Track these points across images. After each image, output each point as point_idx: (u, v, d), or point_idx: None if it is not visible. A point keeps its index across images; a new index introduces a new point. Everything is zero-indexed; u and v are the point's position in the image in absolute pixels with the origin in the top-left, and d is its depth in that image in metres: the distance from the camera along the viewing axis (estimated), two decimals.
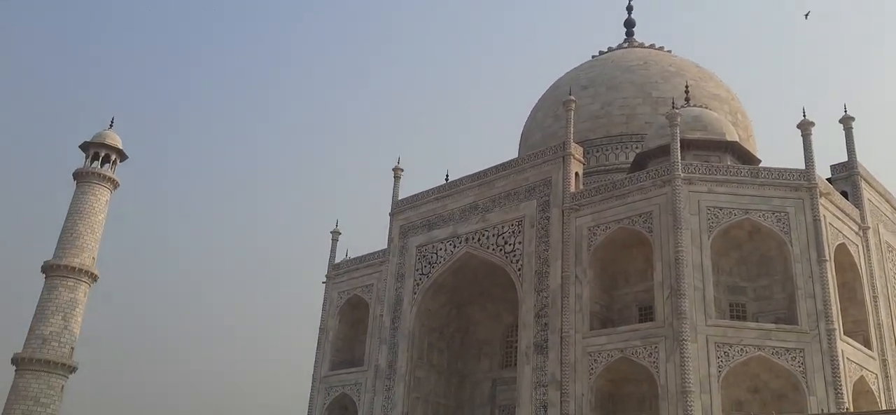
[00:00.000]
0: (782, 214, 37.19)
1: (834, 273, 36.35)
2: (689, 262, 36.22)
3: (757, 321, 36.78)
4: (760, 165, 41.96)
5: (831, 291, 35.35)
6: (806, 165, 38.22)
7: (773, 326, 35.40)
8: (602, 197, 40.93)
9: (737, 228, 37.81)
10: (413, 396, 48.45)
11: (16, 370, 62.67)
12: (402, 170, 55.88)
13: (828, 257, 36.07)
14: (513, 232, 45.15)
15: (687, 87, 50.95)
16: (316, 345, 55.84)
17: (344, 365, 54.31)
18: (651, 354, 36.05)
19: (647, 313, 39.69)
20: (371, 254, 55.01)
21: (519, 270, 43.90)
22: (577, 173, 43.99)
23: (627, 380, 38.81)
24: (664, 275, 36.77)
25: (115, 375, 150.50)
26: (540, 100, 67.02)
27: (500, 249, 45.38)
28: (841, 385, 33.32)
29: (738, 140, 44.95)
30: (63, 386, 63.73)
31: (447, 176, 51.99)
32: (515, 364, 45.85)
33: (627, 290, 42.08)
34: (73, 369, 64.49)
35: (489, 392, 51.03)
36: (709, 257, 36.73)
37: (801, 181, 37.76)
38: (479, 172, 48.73)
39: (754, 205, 37.44)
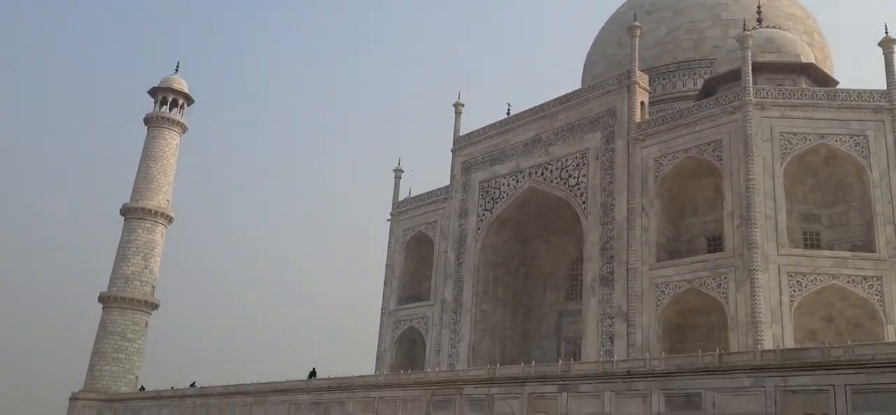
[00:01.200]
0: (861, 137, 35.59)
1: None
2: (761, 190, 35.20)
3: (832, 249, 35.67)
4: (838, 88, 40.09)
5: None
6: (887, 86, 36.31)
7: (849, 253, 34.29)
8: (669, 126, 39.92)
9: (812, 153, 36.42)
10: (479, 328, 49.23)
11: (103, 308, 66.33)
12: (463, 105, 55.67)
13: None
14: (577, 165, 44.64)
15: (759, 7, 48.61)
16: (383, 281, 57.11)
17: (411, 300, 55.44)
18: (720, 284, 35.49)
19: (715, 244, 38.96)
20: (434, 191, 55.42)
21: (583, 203, 43.54)
22: (642, 103, 42.94)
23: (695, 311, 38.41)
24: (734, 204, 35.88)
25: (192, 311, 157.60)
26: (603, 27, 65.24)
27: (564, 183, 45.01)
28: None
29: (813, 62, 42.93)
30: (146, 322, 67.19)
31: (509, 110, 51.50)
32: (581, 297, 45.92)
33: (695, 220, 41.30)
34: (155, 306, 67.80)
35: (555, 324, 51.38)
36: (781, 185, 35.60)
37: (881, 103, 35.94)
38: (540, 105, 48.10)
39: (831, 129, 35.91)
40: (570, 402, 28.63)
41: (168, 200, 70.38)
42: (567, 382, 29.03)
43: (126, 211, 68.46)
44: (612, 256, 41.02)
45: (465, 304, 49.36)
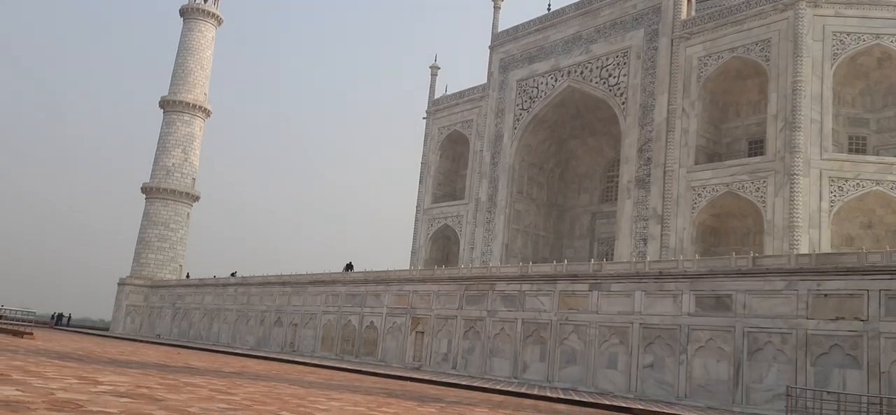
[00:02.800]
0: None
1: None
2: (808, 92, 34.15)
3: (878, 155, 34.77)
4: None
5: None
6: None
7: (894, 159, 33.40)
8: (715, 24, 38.56)
9: (865, 55, 35.01)
10: (513, 228, 49.66)
11: (146, 199, 68.31)
12: (502, 0, 54.38)
13: None
14: (617, 64, 43.64)
15: None
16: (418, 179, 57.54)
17: (445, 198, 55.93)
18: (758, 188, 35.02)
19: (757, 148, 38.22)
20: (470, 89, 54.88)
21: (623, 103, 42.80)
22: None
23: (731, 215, 38.12)
24: (779, 107, 34.95)
25: (232, 205, 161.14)
26: None
27: (604, 82, 44.15)
28: None
29: None
30: (188, 213, 69.16)
31: (549, 5, 50.09)
32: (616, 198, 45.83)
33: (737, 123, 40.43)
34: (195, 198, 69.57)
35: (588, 225, 51.55)
36: (830, 87, 34.48)
37: None
38: (582, 0, 46.71)
39: (887, 28, 34.32)
40: (601, 300, 29.04)
41: (205, 94, 70.98)
42: (599, 280, 29.36)
43: (165, 104, 69.36)
44: (649, 159, 40.58)
45: (500, 203, 49.64)
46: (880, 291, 21.49)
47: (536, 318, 31.23)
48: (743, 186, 35.73)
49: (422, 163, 57.55)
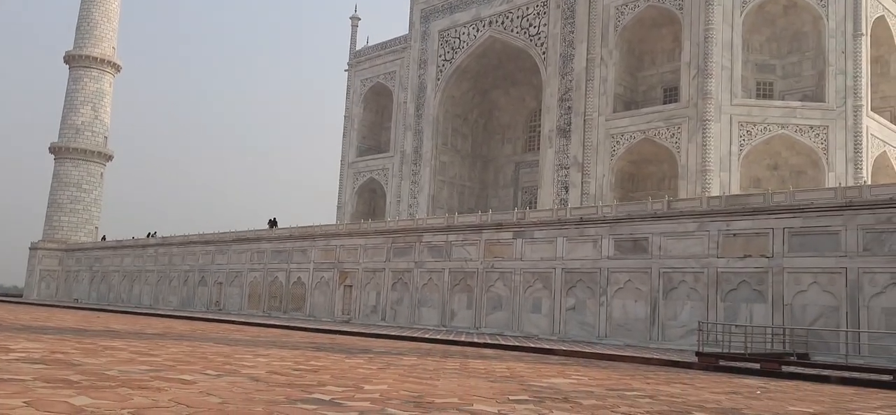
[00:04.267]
0: None
1: (868, 48, 35.40)
2: (719, 40, 35.35)
3: (783, 99, 36.49)
4: None
5: (864, 66, 34.60)
6: None
7: (798, 103, 35.14)
8: None
9: (772, 2, 36.42)
10: (439, 179, 49.91)
11: (55, 159, 65.10)
12: None
13: (864, 31, 34.93)
14: (538, 14, 43.94)
15: None
16: (342, 133, 56.85)
17: (370, 152, 55.56)
18: (673, 134, 36.26)
19: (672, 95, 39.45)
20: (392, 40, 54.25)
21: (543, 53, 43.25)
22: None
23: (648, 161, 39.40)
24: (692, 54, 36.07)
25: (149, 164, 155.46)
26: None
27: (525, 32, 44.43)
28: (862, 161, 33.60)
29: None
30: (101, 173, 66.35)
31: None
32: (538, 148, 46.60)
33: (653, 71, 41.55)
34: (108, 157, 66.75)
35: (512, 175, 52.32)
36: (740, 35, 35.77)
37: None
38: None
39: None
40: (525, 247, 29.72)
41: (114, 48, 67.68)
42: (522, 228, 29.99)
43: (70, 59, 65.82)
44: (569, 108, 41.32)
45: (425, 155, 49.70)
46: (784, 228, 22.77)
47: (463, 267, 31.72)
48: (658, 133, 36.91)
49: (345, 116, 56.84)
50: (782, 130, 34.54)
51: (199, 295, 46.55)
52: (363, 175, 54.48)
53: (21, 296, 65.85)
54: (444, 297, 32.18)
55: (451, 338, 22.16)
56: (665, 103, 39.01)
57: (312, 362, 11.03)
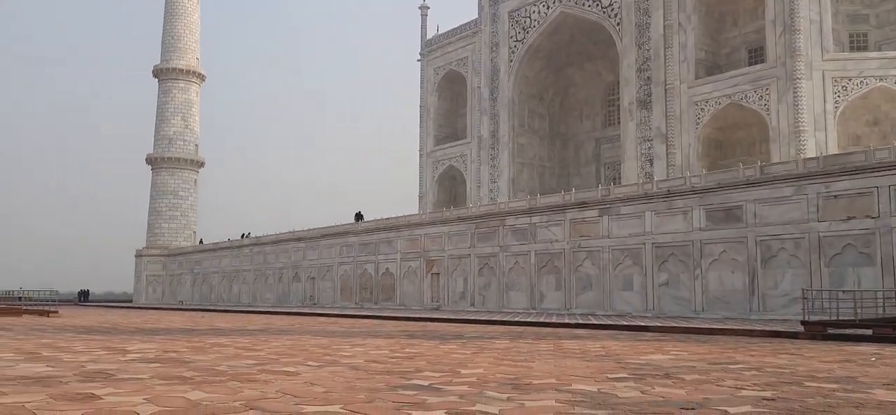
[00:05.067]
0: None
1: None
2: None
3: (880, 50, 34.38)
4: None
5: None
6: None
7: None
8: None
9: None
10: (518, 162, 49.66)
11: (152, 169, 68.43)
12: None
13: None
14: None
15: None
16: (419, 123, 57.29)
17: (448, 139, 55.78)
18: (762, 96, 34.79)
19: (757, 55, 37.83)
20: (462, 25, 54.18)
21: (618, 24, 42.25)
22: None
23: (736, 126, 37.96)
24: (777, 11, 34.44)
25: (237, 167, 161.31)
26: None
27: (597, 4, 43.50)
28: None
29: None
30: (195, 179, 69.33)
31: None
32: (618, 122, 45.63)
33: (735, 32, 39.93)
34: (200, 164, 69.63)
35: (593, 152, 51.47)
36: None
37: None
38: None
39: None
40: (612, 224, 29.20)
41: (197, 59, 70.36)
42: (607, 205, 29.47)
43: (159, 72, 68.86)
44: (649, 78, 40.26)
45: (502, 139, 49.54)
46: (890, 186, 21.51)
47: (549, 248, 31.48)
48: (746, 96, 35.50)
49: (420, 106, 57.23)
50: (881, 83, 32.59)
51: (293, 291, 48.05)
52: (442, 163, 54.77)
53: (131, 301, 69.73)
54: (531, 279, 32.04)
55: (541, 320, 22.06)
56: (751, 65, 37.45)
57: (408, 350, 11.21)
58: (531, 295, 31.97)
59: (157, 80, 69.36)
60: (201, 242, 65.12)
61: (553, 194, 34.17)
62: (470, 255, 35.19)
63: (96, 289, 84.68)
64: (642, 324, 19.25)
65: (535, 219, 32.26)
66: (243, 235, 57.65)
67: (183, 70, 68.23)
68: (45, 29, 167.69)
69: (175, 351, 10.73)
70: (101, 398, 5.61)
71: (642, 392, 6.27)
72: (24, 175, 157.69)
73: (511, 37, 49.29)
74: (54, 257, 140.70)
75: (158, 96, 69.23)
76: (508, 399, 5.76)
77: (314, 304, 45.06)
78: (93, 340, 13.60)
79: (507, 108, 49.34)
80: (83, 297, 78.44)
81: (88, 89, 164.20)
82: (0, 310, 32.47)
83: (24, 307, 36.33)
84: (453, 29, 54.94)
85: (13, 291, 60.41)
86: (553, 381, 7.14)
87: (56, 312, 31.96)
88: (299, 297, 47.26)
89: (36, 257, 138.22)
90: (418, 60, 57.91)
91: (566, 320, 21.66)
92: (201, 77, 70.22)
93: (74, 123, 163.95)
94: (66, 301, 70.05)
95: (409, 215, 41.15)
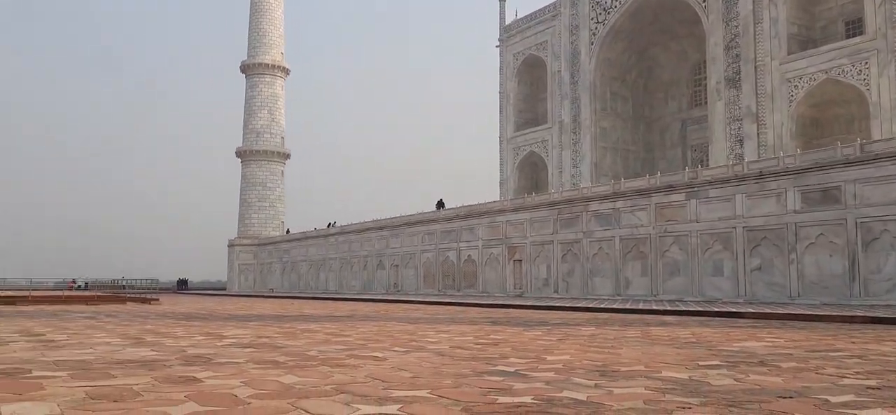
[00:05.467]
0: None
1: None
2: None
3: None
4: None
5: None
6: None
7: None
8: None
9: None
10: (600, 146, 48.81)
11: (241, 162, 71.04)
12: None
13: None
14: None
15: None
16: (498, 109, 57.09)
17: (528, 125, 55.39)
18: (860, 71, 32.91)
19: (855, 27, 35.78)
20: (541, 9, 53.58)
21: (703, 1, 40.79)
22: None
23: (832, 103, 36.08)
24: None
25: (321, 158, 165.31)
26: None
27: None
28: None
29: None
30: (282, 171, 71.54)
31: None
32: (706, 102, 44.16)
33: (830, 4, 37.86)
34: (286, 156, 71.78)
35: (679, 134, 50.03)
36: None
37: None
38: None
39: None
40: (700, 208, 28.32)
41: (282, 53, 72.37)
42: (695, 188, 28.59)
43: (246, 68, 71.24)
44: (737, 55, 38.73)
45: (584, 123, 48.78)
46: None
47: (634, 233, 30.85)
48: (843, 71, 33.67)
49: (500, 93, 57.02)
50: None
51: (378, 278, 48.94)
52: (523, 149, 54.45)
53: (225, 289, 72.75)
54: (616, 265, 31.50)
55: (627, 307, 21.68)
56: (848, 38, 35.46)
57: (492, 336, 11.24)
58: (616, 281, 31.43)
59: (244, 75, 71.79)
60: (288, 231, 67.20)
61: (638, 178, 33.42)
62: (553, 241, 34.89)
63: (193, 277, 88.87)
64: (734, 310, 18.63)
65: (620, 204, 31.66)
66: (329, 224, 59.08)
67: (268, 65, 70.37)
68: (139, 31, 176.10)
69: (267, 337, 11.13)
70: (202, 381, 5.88)
71: (736, 380, 6.08)
72: (124, 171, 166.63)
73: (591, 19, 48.41)
74: (155, 248, 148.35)
75: (246, 91, 71.67)
76: (596, 386, 5.70)
77: (398, 291, 45.75)
78: (192, 326, 14.26)
79: (589, 91, 48.52)
80: (182, 285, 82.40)
81: (182, 86, 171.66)
82: (107, 298, 34.51)
83: (128, 295, 38.44)
84: (532, 13, 54.43)
85: (118, 280, 64.22)
86: (642, 368, 7.02)
87: (157, 299, 33.67)
88: (383, 284, 48.09)
89: (138, 248, 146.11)
90: (497, 47, 57.69)
91: (653, 307, 21.20)
92: (286, 71, 72.21)
93: (171, 120, 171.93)
94: (165, 289, 73.76)
95: (491, 202, 41.15)
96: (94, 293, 41.75)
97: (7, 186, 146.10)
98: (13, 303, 28.45)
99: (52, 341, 10.29)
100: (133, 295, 38.86)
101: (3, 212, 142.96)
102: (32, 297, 33.62)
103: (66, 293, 39.98)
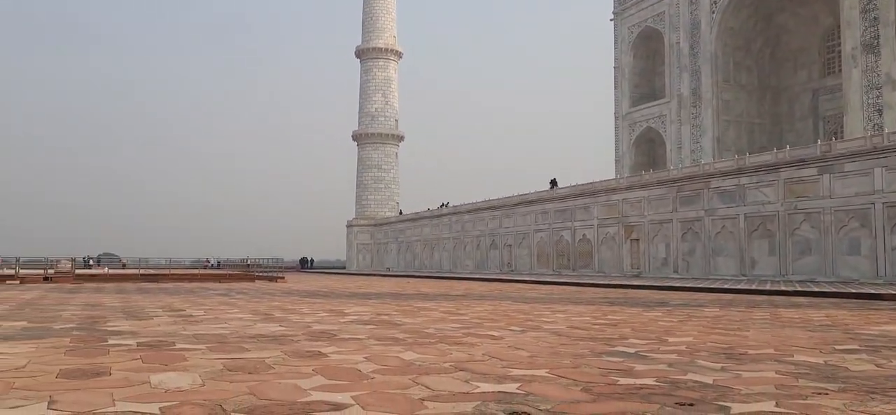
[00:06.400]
0: None
1: None
2: None
3: None
4: None
5: None
6: None
7: None
8: None
9: None
10: (723, 119, 46.66)
11: (357, 145, 73.18)
12: None
13: None
14: None
15: None
16: (613, 85, 55.68)
17: (644, 100, 53.70)
18: None
19: None
20: None
21: None
22: None
23: None
24: None
25: (434, 139, 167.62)
26: None
27: None
28: None
29: None
30: (396, 153, 73.13)
31: None
32: (839, 70, 41.20)
33: None
34: (400, 138, 73.26)
35: (809, 105, 46.99)
36: None
37: None
38: None
39: None
40: (834, 183, 26.53)
41: (394, 37, 73.68)
42: (829, 162, 26.80)
43: (360, 52, 73.10)
44: (876, 18, 35.82)
45: (705, 96, 46.74)
46: None
47: (760, 211, 29.35)
48: None
49: (614, 67, 55.56)
50: None
51: (491, 258, 49.18)
52: (639, 125, 52.89)
53: (344, 268, 75.46)
54: (740, 244, 30.11)
55: (753, 287, 20.70)
56: None
57: (609, 317, 11.05)
58: (741, 261, 30.06)
59: (358, 60, 73.69)
60: (400, 212, 68.71)
61: (764, 153, 31.73)
62: (672, 219, 33.78)
63: (314, 256, 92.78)
64: (873, 291, 17.38)
65: (744, 180, 30.18)
66: (442, 204, 59.87)
67: (382, 49, 71.87)
68: (259, 20, 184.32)
69: (386, 314, 11.45)
70: (328, 356, 6.14)
71: (877, 366, 5.68)
72: (248, 157, 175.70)
73: None
74: (278, 229, 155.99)
75: (361, 75, 73.60)
76: (722, 369, 5.49)
77: (511, 270, 45.81)
78: (315, 303, 14.90)
79: (710, 62, 46.41)
80: (304, 264, 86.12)
81: (302, 74, 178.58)
82: (237, 276, 36.63)
83: (256, 274, 40.59)
84: None
85: (246, 259, 68.15)
86: (771, 351, 6.69)
87: (282, 278, 35.37)
88: (497, 263, 48.27)
89: (263, 229, 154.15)
90: (611, 20, 56.19)
91: (782, 288, 20.12)
92: (398, 54, 73.52)
93: (290, 104, 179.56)
94: (289, 268, 77.31)
95: (606, 180, 40.31)
96: (225, 271, 44.48)
97: (150, 177, 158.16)
98: (155, 280, 30.77)
99: (191, 316, 11.04)
100: (260, 274, 41.01)
101: (146, 199, 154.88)
102: (171, 275, 36.23)
103: (201, 272, 42.85)
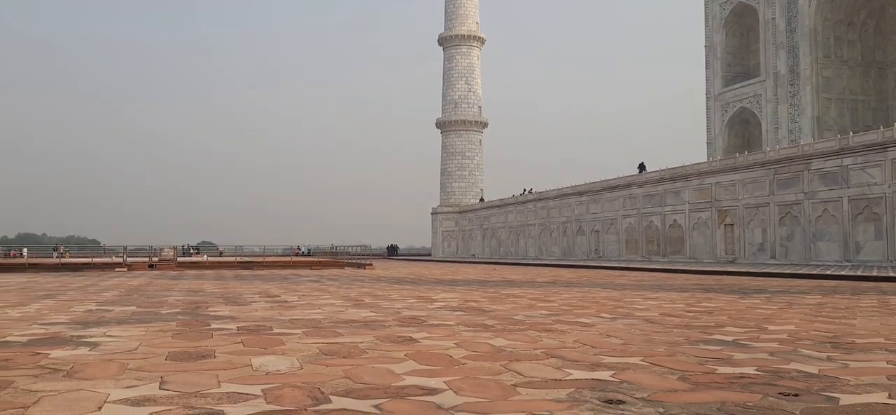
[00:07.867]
0: None
1: None
2: None
3: None
4: None
5: None
6: None
7: None
8: None
9: None
10: (823, 97, 44.33)
11: (441, 133, 73.60)
12: None
13: None
14: None
15: None
16: (704, 64, 53.77)
17: (737, 79, 51.62)
18: None
19: None
20: None
21: None
22: None
23: None
24: None
25: (518, 126, 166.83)
26: None
27: None
28: None
29: None
30: (480, 140, 73.12)
31: None
32: None
33: None
34: (484, 125, 73.20)
35: None
36: None
37: None
38: None
39: None
40: None
41: (477, 23, 73.52)
42: None
43: (443, 40, 73.35)
44: None
45: (803, 73, 44.48)
46: None
47: (865, 193, 27.76)
48: None
49: (705, 46, 53.60)
50: None
51: (578, 244, 48.57)
52: (732, 106, 50.92)
53: (429, 255, 76.28)
54: (844, 229, 28.58)
55: (858, 274, 19.62)
56: None
57: (704, 304, 10.72)
58: (844, 246, 28.53)
59: (441, 48, 73.98)
60: (482, 199, 68.73)
61: (870, 131, 29.93)
62: (769, 203, 32.40)
63: (399, 244, 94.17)
64: None
65: (848, 160, 28.59)
66: (525, 190, 59.52)
67: (464, 36, 71.89)
68: (348, 7, 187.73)
69: (474, 301, 11.50)
70: (418, 341, 6.22)
71: None
72: (340, 147, 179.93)
73: None
74: (365, 216, 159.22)
75: (444, 63, 73.89)
76: (828, 359, 5.23)
77: (599, 257, 45.11)
78: (404, 289, 15.12)
79: (809, 38, 44.12)
80: (392, 251, 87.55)
81: (386, 64, 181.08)
82: (327, 263, 37.66)
83: (345, 261, 41.62)
84: None
85: (335, 247, 69.96)
86: (881, 340, 6.33)
87: (371, 264, 36.08)
88: (584, 250, 47.62)
89: (348, 216, 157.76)
90: None
91: (890, 274, 18.98)
92: (481, 41, 73.37)
93: (378, 100, 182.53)
94: (376, 255, 78.78)
95: (698, 163, 39.04)
96: (316, 259, 45.77)
97: (246, 167, 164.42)
98: (251, 267, 32.01)
99: (286, 301, 11.42)
100: (349, 260, 41.99)
101: (244, 189, 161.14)
102: (265, 262, 37.59)
103: (293, 259, 44.25)
